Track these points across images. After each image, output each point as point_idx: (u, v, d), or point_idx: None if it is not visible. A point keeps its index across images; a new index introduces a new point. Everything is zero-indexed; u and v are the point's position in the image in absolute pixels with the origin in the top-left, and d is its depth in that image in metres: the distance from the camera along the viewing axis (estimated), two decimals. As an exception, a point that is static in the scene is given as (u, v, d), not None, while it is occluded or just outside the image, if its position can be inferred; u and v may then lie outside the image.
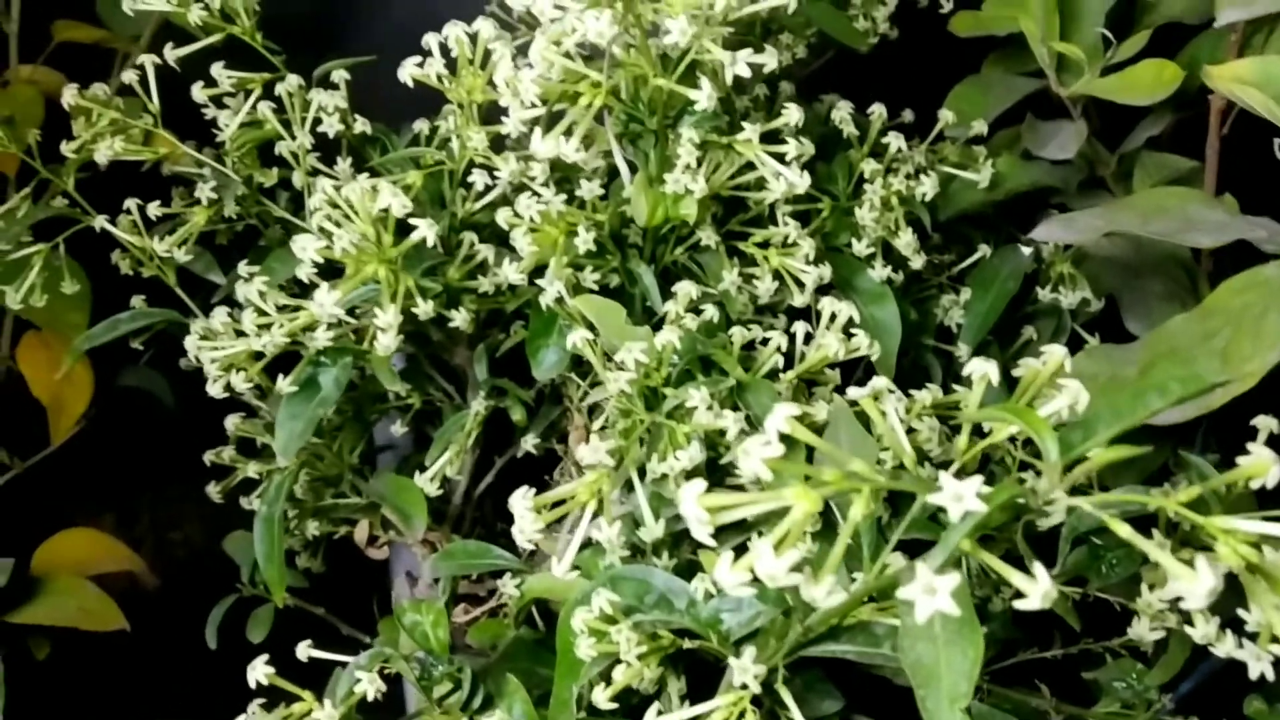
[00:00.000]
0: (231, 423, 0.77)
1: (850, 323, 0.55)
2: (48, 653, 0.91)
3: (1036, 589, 0.32)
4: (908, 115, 0.75)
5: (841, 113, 0.67)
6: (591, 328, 0.60)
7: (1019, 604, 0.33)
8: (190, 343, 0.63)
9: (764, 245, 0.64)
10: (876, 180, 0.65)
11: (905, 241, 0.65)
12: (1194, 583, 0.31)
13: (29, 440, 0.94)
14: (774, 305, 0.67)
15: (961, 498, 0.33)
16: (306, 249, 0.53)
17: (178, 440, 0.96)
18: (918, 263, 0.67)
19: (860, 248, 0.66)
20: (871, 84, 0.75)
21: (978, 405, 0.42)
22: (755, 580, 0.33)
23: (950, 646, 0.35)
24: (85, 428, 0.94)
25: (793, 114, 0.56)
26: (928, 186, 0.65)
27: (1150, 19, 0.72)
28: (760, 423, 0.51)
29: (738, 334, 0.57)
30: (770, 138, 0.56)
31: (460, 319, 0.58)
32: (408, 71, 0.59)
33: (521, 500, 0.46)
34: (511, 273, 0.59)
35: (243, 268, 0.69)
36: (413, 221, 0.53)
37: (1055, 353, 0.43)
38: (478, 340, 0.70)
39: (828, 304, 0.56)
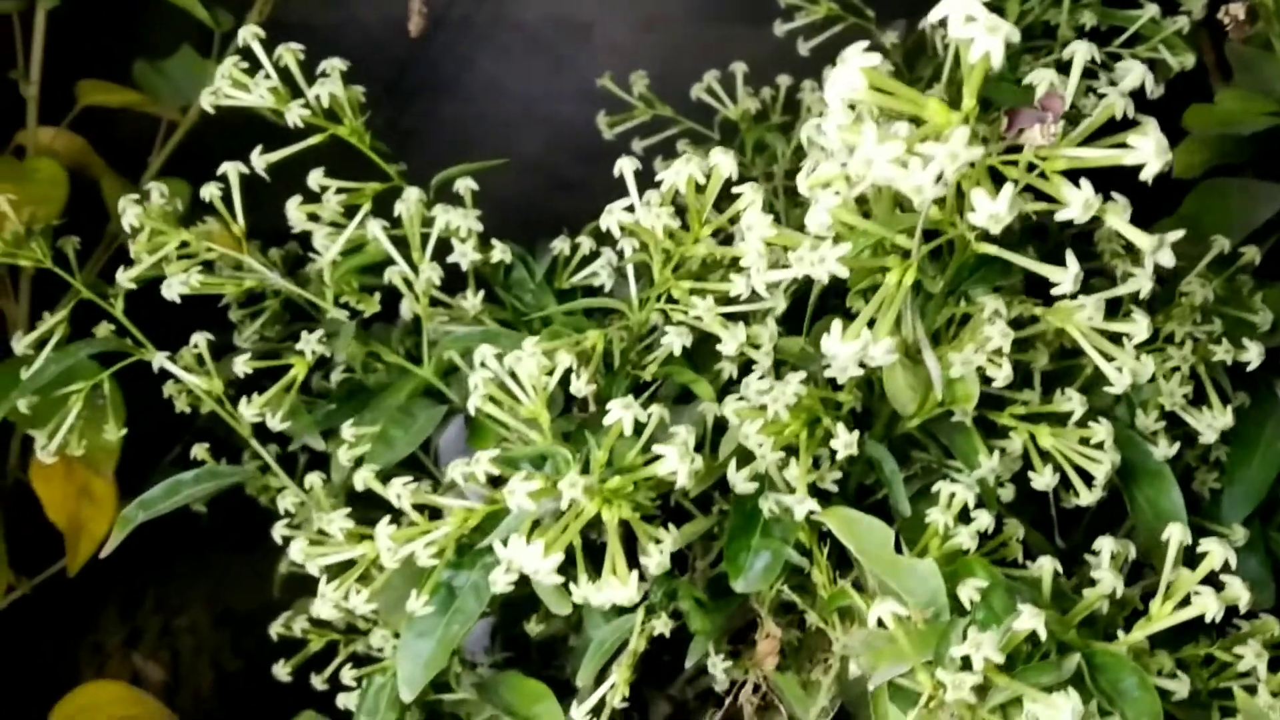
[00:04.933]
0: (327, 615, 0.62)
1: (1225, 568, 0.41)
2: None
3: None
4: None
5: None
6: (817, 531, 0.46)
7: None
8: (296, 550, 0.48)
9: (1028, 419, 0.50)
10: (1187, 345, 0.51)
11: (1222, 424, 0.51)
12: None
13: (40, 556, 0.80)
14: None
15: None
16: (518, 494, 0.38)
17: (186, 515, 0.84)
18: (1211, 438, 0.53)
19: (1148, 422, 0.52)
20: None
21: None
22: None
23: None
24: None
25: (1142, 282, 0.42)
26: (1254, 354, 0.51)
27: None
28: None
29: (1048, 568, 0.42)
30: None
31: (670, 542, 0.43)
32: (615, 218, 0.44)
33: None
34: (740, 481, 0.45)
35: (348, 431, 0.54)
36: (660, 450, 0.38)
37: None
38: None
39: (1177, 533, 0.42)
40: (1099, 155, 0.33)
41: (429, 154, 0.58)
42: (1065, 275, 0.35)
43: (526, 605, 0.63)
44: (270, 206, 0.57)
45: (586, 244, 0.59)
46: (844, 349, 0.35)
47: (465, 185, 0.56)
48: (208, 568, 0.92)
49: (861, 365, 0.44)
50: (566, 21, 0.94)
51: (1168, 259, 0.33)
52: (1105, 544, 0.44)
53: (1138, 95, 0.67)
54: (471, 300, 0.55)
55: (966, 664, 0.36)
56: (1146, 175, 0.32)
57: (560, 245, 0.58)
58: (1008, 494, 0.53)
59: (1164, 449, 0.52)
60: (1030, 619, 0.36)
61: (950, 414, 0.50)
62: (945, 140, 0.29)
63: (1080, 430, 0.48)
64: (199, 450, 0.61)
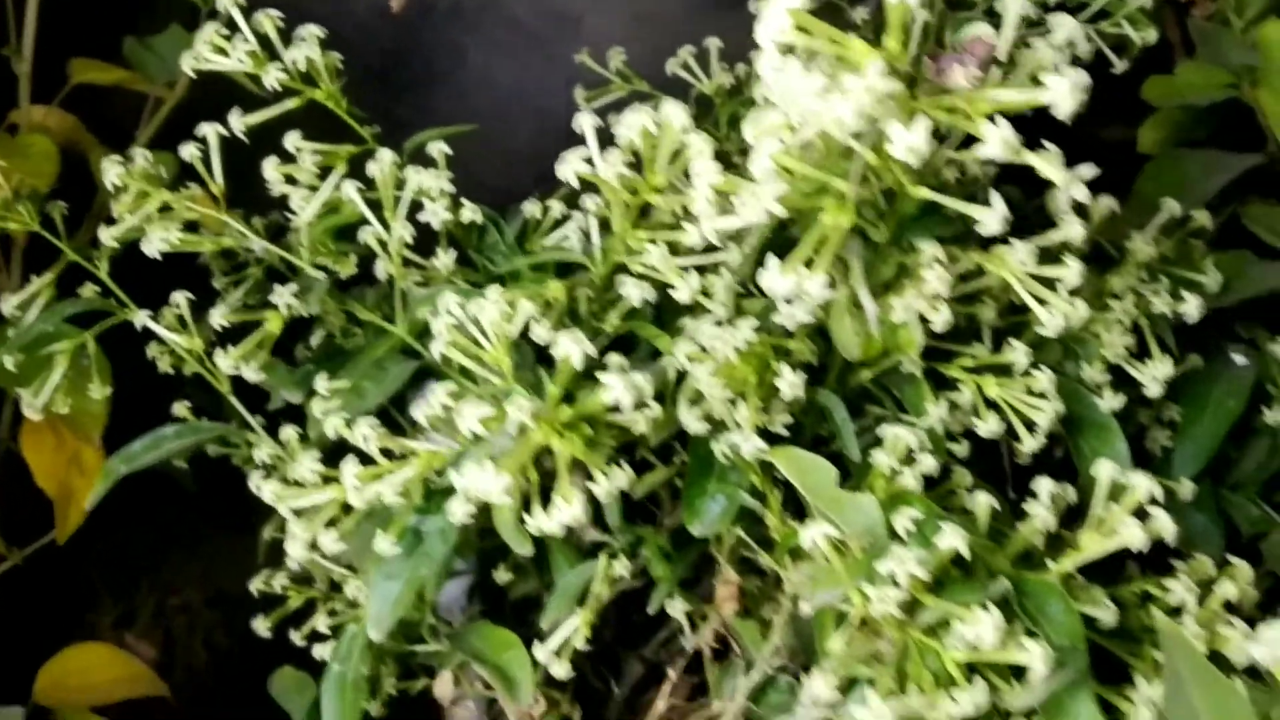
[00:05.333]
0: (299, 556, 0.64)
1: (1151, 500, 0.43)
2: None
3: None
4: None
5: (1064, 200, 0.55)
6: (770, 473, 0.48)
7: None
8: (268, 491, 0.50)
9: (975, 370, 0.52)
10: (1128, 297, 0.53)
11: (1162, 374, 0.53)
12: None
13: (30, 524, 0.82)
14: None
15: None
16: (467, 418, 0.40)
17: (180, 496, 0.85)
18: (1155, 391, 0.55)
19: (1092, 373, 0.54)
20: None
21: None
22: None
23: None
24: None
25: (1073, 229, 0.44)
26: (1192, 306, 0.53)
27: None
28: (1053, 644, 0.39)
29: (984, 503, 0.44)
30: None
31: (621, 478, 0.45)
32: (572, 166, 0.46)
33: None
34: (692, 421, 0.46)
35: (321, 384, 0.56)
36: (603, 378, 0.40)
37: None
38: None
39: (1107, 470, 0.44)
40: (1016, 97, 0.35)
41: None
42: (991, 215, 0.37)
43: (500, 557, 0.65)
44: (255, 181, 0.59)
45: (557, 208, 0.60)
46: (780, 283, 0.37)
47: (438, 148, 0.58)
48: (201, 550, 0.93)
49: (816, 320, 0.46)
50: (557, 14, 0.95)
51: (1083, 194, 0.35)
52: (1043, 484, 0.46)
53: (1103, 71, 0.70)
54: (443, 259, 0.57)
55: (896, 584, 0.37)
56: (1063, 115, 0.34)
57: (531, 208, 0.60)
58: (962, 449, 0.55)
59: (1109, 401, 0.54)
60: (951, 536, 0.38)
61: (900, 366, 0.52)
62: (863, 74, 0.31)
63: (1024, 380, 0.50)
64: (180, 408, 0.63)
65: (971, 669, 0.38)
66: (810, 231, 0.38)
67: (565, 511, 0.40)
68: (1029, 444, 0.50)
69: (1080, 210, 0.56)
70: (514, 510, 0.47)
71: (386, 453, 0.49)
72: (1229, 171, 0.65)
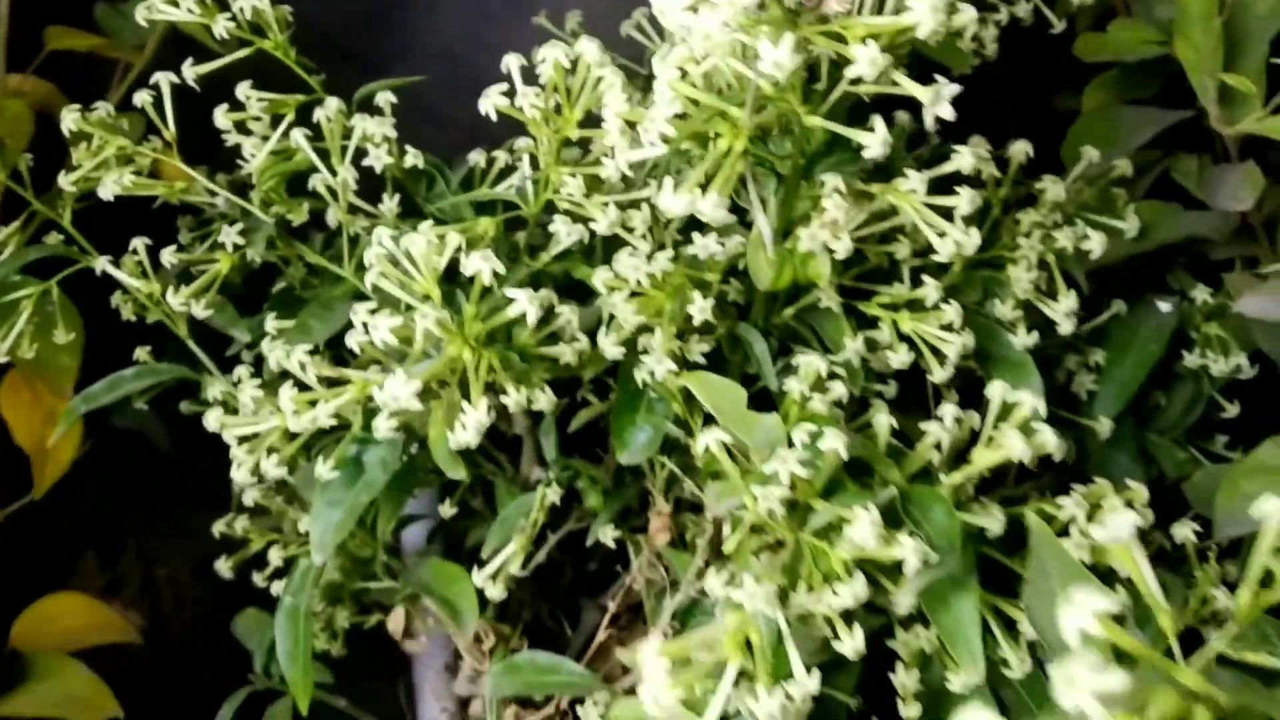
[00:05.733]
0: (252, 496, 0.66)
1: (1035, 416, 0.45)
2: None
3: None
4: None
5: (979, 150, 0.57)
6: (692, 403, 0.50)
7: None
8: (213, 419, 0.53)
9: (890, 306, 0.54)
10: (1035, 234, 0.55)
11: (1066, 308, 0.55)
12: None
13: (10, 483, 0.84)
14: (881, 371, 0.57)
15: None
16: (379, 328, 0.43)
17: (164, 473, 0.87)
18: (1067, 328, 0.57)
19: (1005, 310, 0.56)
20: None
21: (1268, 554, 0.32)
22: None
23: None
24: (71, 471, 0.84)
25: (963, 159, 0.46)
26: (1095, 242, 0.56)
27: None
28: (934, 545, 0.41)
29: (883, 423, 0.47)
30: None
31: (544, 402, 0.47)
32: (491, 101, 0.48)
33: (655, 658, 0.36)
34: (609, 346, 0.49)
35: (271, 323, 0.59)
36: (511, 294, 0.43)
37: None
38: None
39: (998, 390, 0.46)
40: (884, 22, 0.37)
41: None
42: (874, 139, 0.39)
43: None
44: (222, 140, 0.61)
45: (503, 157, 0.63)
46: (674, 203, 0.39)
47: (384, 98, 0.60)
48: (188, 523, 0.94)
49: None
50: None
51: (947, 113, 0.37)
52: (948, 409, 0.48)
53: (1044, 32, 0.72)
54: (388, 204, 0.59)
55: (780, 483, 0.40)
56: (922, 35, 0.36)
57: (476, 157, 0.62)
58: (890, 390, 0.58)
59: (1023, 338, 0.57)
60: (832, 440, 0.40)
61: (819, 302, 0.54)
62: (732, -7, 0.34)
63: (936, 314, 0.53)
64: (140, 353, 0.66)
65: (860, 568, 0.41)
66: (706, 155, 0.40)
67: (471, 415, 0.42)
68: (939, 374, 0.53)
69: (1000, 162, 0.60)
70: (442, 434, 0.50)
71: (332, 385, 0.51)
72: (1156, 125, 0.67)
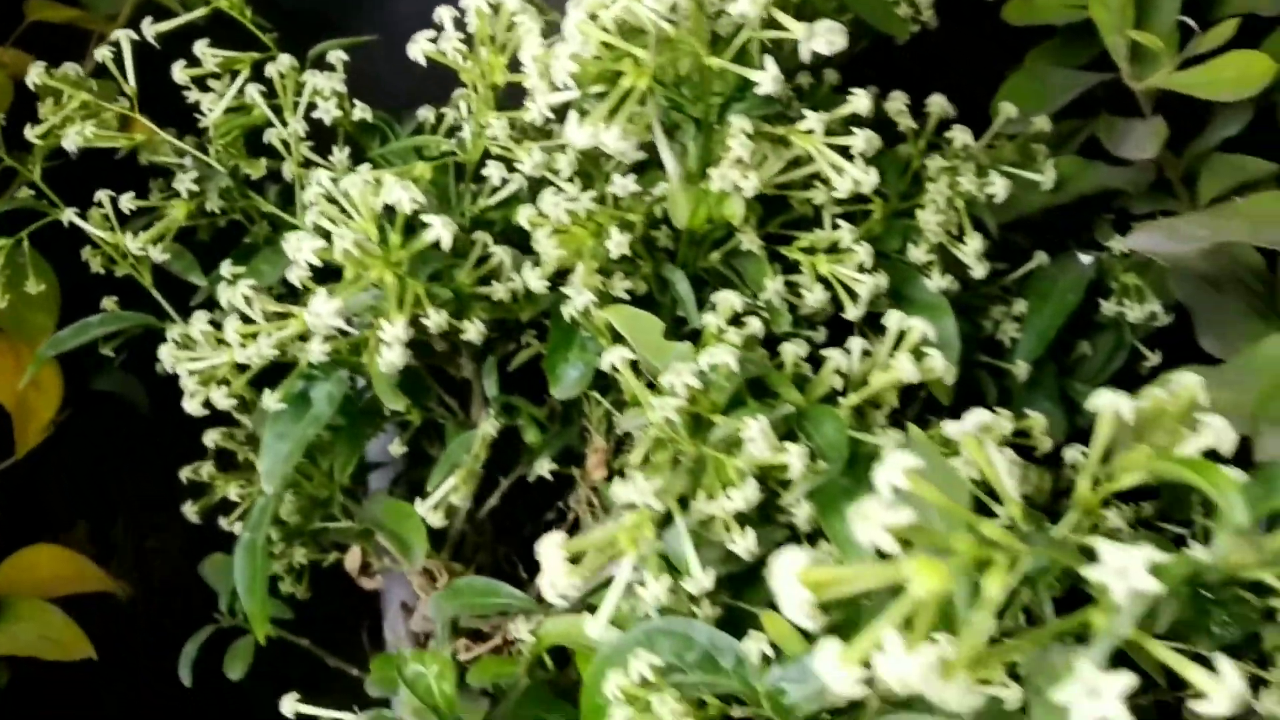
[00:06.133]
0: (211, 438, 0.70)
1: (924, 341, 0.49)
2: (7, 680, 0.84)
3: (1223, 691, 0.26)
4: (929, 106, 0.68)
5: (897, 104, 0.60)
6: (621, 341, 0.53)
7: (1197, 706, 0.26)
8: (166, 352, 0.56)
9: (810, 250, 0.58)
10: (941, 179, 0.58)
11: (973, 249, 0.58)
12: None
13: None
14: (811, 317, 0.60)
15: (1127, 572, 0.26)
16: (301, 249, 0.46)
17: (155, 445, 0.91)
18: (980, 271, 0.60)
19: (918, 254, 0.59)
20: (904, 78, 0.69)
21: (1105, 445, 0.35)
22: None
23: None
24: (55, 434, 0.87)
25: (860, 102, 0.49)
26: (999, 187, 0.59)
27: (1229, 8, 0.65)
28: (824, 456, 0.45)
29: (790, 351, 0.50)
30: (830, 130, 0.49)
31: (472, 332, 0.51)
32: (419, 47, 0.52)
33: (553, 549, 0.39)
34: (533, 279, 0.52)
35: (226, 268, 0.62)
36: (425, 219, 0.46)
37: (1188, 383, 0.37)
38: (485, 352, 0.63)
39: (895, 319, 0.49)
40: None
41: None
42: (765, 77, 0.42)
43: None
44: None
45: (451, 114, 0.66)
46: (579, 135, 0.42)
47: (336, 56, 0.63)
48: (179, 494, 0.97)
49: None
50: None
51: (823, 47, 0.40)
52: (855, 341, 0.52)
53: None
54: (338, 155, 0.62)
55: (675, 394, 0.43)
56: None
57: (425, 113, 0.65)
58: (820, 336, 0.61)
59: (938, 281, 0.60)
60: (722, 354, 0.43)
61: (741, 245, 0.57)
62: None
63: (851, 256, 0.56)
64: (107, 302, 0.69)
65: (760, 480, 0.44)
66: (612, 92, 0.43)
67: (389, 330, 0.45)
68: (852, 312, 0.56)
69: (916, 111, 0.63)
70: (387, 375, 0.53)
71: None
72: (1079, 85, 0.70)
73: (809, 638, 0.42)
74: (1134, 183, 0.67)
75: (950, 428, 0.36)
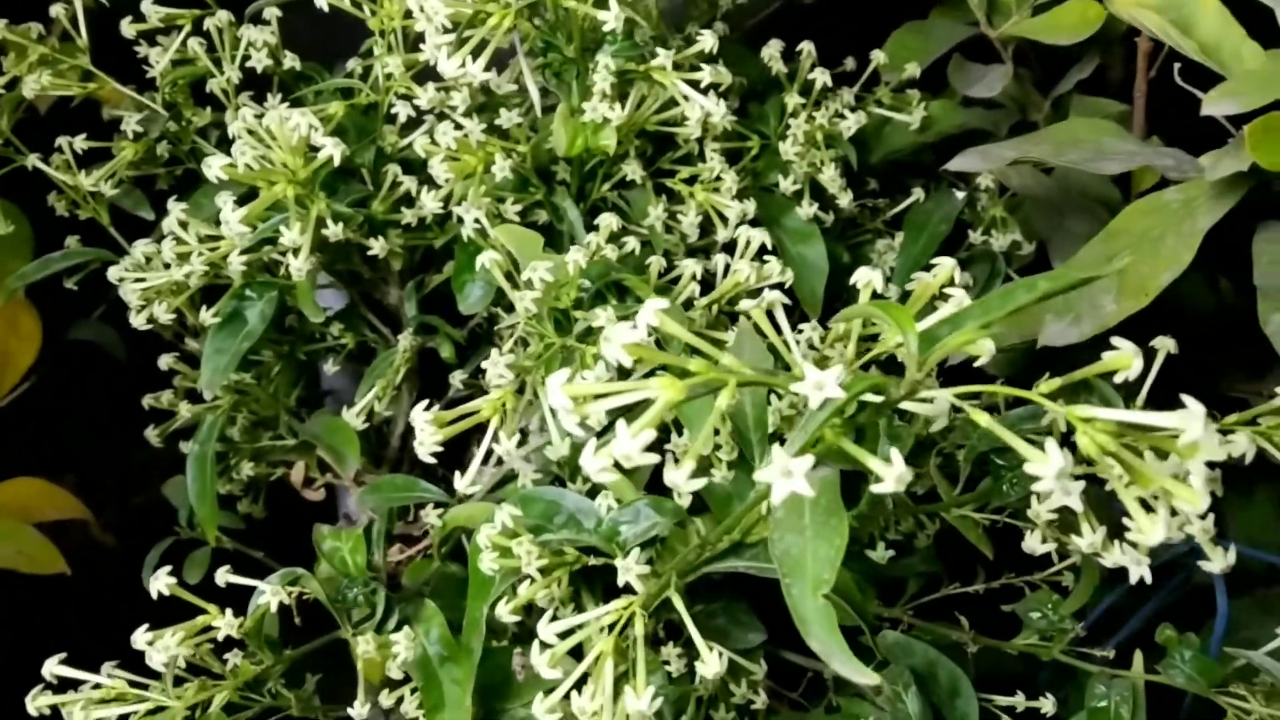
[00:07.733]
0: (165, 361, 0.77)
1: (764, 250, 0.56)
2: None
3: (891, 472, 0.33)
4: (849, 63, 0.75)
5: (771, 50, 0.67)
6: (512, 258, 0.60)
7: (875, 488, 0.33)
8: (114, 273, 0.63)
9: (691, 182, 0.65)
10: (800, 115, 0.65)
11: (829, 177, 0.65)
12: (1044, 464, 0.32)
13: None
14: (708, 247, 0.67)
15: (823, 386, 0.33)
16: (212, 166, 0.53)
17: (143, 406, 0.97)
18: (844, 200, 0.67)
19: (786, 185, 0.66)
20: (817, 34, 0.75)
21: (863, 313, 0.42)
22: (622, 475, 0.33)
23: (817, 538, 0.35)
24: (36, 384, 0.93)
25: (707, 40, 0.56)
26: (851, 121, 0.66)
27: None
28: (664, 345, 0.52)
29: (655, 263, 0.57)
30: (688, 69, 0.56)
31: (378, 247, 0.58)
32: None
33: (422, 414, 0.46)
34: (429, 201, 0.59)
35: (171, 204, 0.69)
36: (316, 141, 0.53)
37: (944, 264, 0.44)
38: (410, 280, 0.70)
39: (743, 233, 0.56)
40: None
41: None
42: (609, 15, 0.49)
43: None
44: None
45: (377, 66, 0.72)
46: (447, 66, 0.50)
47: (271, 13, 0.70)
48: (163, 453, 1.02)
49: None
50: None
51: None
52: (718, 257, 0.59)
53: None
54: (272, 102, 0.69)
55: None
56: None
57: (353, 63, 0.72)
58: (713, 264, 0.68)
59: (806, 210, 0.67)
60: (574, 254, 0.51)
61: (627, 177, 0.64)
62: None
63: (720, 184, 0.63)
64: (70, 240, 0.76)
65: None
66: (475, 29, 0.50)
67: (287, 236, 0.53)
68: (723, 234, 0.63)
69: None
70: (308, 290, 0.61)
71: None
72: (956, 38, 0.77)
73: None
74: (996, 124, 0.74)
75: (744, 303, 0.43)
